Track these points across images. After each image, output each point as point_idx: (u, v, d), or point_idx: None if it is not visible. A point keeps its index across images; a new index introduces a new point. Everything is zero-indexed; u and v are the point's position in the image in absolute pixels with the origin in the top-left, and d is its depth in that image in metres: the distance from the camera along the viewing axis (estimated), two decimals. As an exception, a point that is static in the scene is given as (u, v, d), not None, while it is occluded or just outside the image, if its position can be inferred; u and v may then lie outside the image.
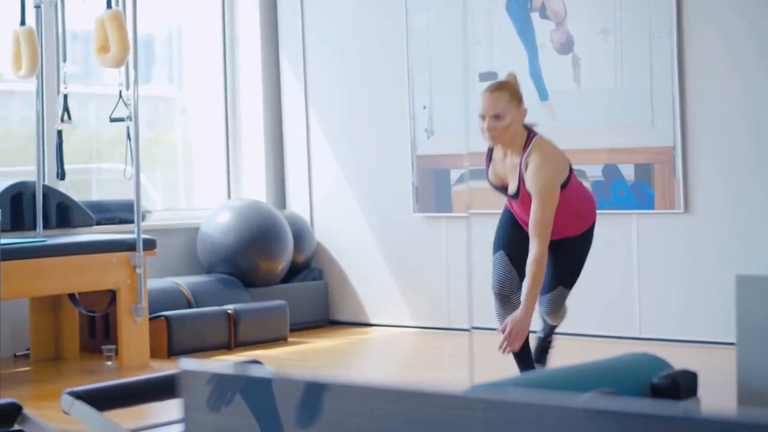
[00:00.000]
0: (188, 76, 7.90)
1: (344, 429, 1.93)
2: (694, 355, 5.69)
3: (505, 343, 4.37)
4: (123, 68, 6.04)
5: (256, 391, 2.06)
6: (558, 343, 4.87)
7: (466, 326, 6.82)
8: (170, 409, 4.18)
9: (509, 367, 4.48)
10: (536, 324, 4.63)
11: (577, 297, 4.90)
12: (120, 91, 6.08)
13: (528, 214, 4.42)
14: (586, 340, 6.34)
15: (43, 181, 6.40)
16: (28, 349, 6.31)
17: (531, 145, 4.42)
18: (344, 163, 7.49)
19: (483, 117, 4.41)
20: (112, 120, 6.12)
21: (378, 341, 6.94)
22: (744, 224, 6.06)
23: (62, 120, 6.21)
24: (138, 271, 5.99)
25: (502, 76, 4.85)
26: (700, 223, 6.20)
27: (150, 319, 6.20)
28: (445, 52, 6.96)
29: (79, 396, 3.70)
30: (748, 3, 6.04)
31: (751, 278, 3.84)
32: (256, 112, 7.72)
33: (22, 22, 6.25)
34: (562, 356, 4.84)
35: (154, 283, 6.51)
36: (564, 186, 4.42)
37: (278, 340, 6.76)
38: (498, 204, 4.87)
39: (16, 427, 3.72)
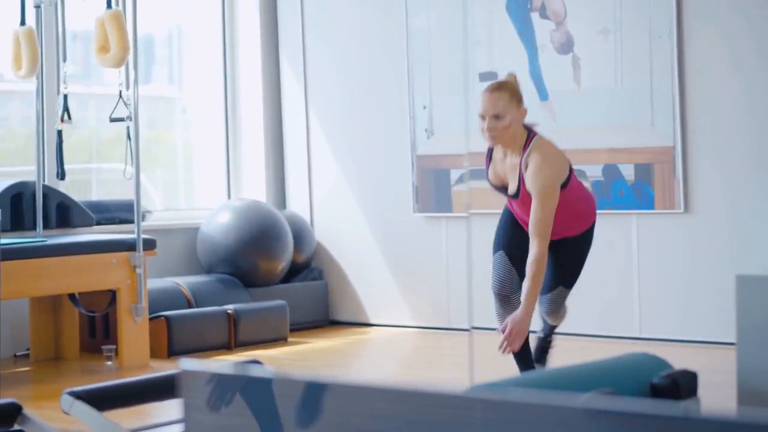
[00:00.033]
0: (188, 76, 7.89)
1: (344, 429, 1.93)
2: (694, 355, 5.69)
3: (505, 343, 4.37)
4: (123, 68, 6.04)
5: (256, 391, 2.06)
6: (558, 343, 4.87)
7: (466, 326, 6.82)
8: (170, 409, 4.18)
9: (509, 367, 4.48)
10: (536, 324, 4.63)
11: (577, 297, 4.90)
12: (120, 91, 6.08)
13: (528, 214, 4.42)
14: (586, 340, 6.34)
15: (43, 181, 6.40)
16: (28, 349, 6.31)
17: (531, 145, 4.42)
18: (344, 163, 7.49)
19: (483, 117, 4.41)
20: (112, 120, 6.12)
21: (378, 341, 6.94)
22: (744, 224, 6.06)
23: (62, 120, 6.21)
24: (138, 271, 5.99)
25: (502, 76, 4.85)
26: (700, 223, 6.20)
27: (150, 319, 6.20)
28: (445, 52, 6.96)
29: (79, 396, 3.69)
30: (748, 3, 6.04)
31: (751, 278, 3.84)
32: (256, 112, 7.71)
33: (22, 22, 6.25)
34: (562, 356, 4.84)
35: (154, 283, 6.51)
36: (564, 186, 4.42)
37: (278, 340, 6.76)
38: (498, 204, 4.87)
39: (16, 427, 3.72)
